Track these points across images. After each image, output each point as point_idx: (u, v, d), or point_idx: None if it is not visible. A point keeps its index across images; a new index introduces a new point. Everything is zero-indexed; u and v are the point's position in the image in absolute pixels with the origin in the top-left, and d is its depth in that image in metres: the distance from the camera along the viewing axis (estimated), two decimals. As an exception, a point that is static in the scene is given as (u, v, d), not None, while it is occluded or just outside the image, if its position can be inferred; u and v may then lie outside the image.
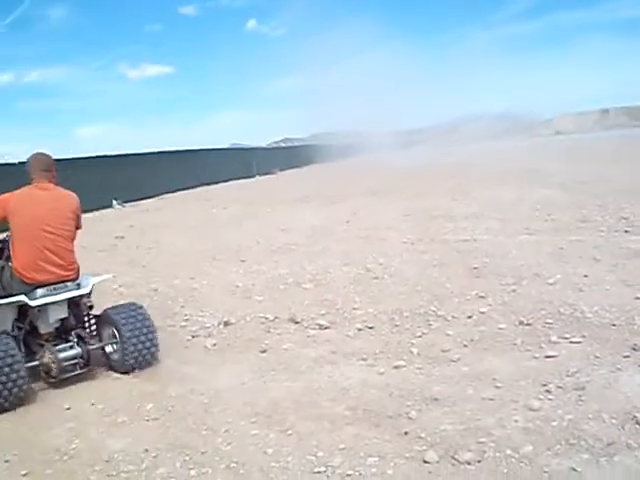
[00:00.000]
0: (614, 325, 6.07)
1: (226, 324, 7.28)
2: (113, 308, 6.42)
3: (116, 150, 31.52)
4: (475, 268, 8.90)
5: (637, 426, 4.08)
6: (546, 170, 25.88)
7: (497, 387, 4.90)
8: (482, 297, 7.43)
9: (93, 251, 14.00)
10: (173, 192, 32.39)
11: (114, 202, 27.16)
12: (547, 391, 4.73)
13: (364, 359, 5.81)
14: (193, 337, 6.99)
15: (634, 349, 5.39)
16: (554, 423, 4.23)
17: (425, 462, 3.91)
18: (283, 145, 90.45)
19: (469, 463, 3.84)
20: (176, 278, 10.07)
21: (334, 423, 4.58)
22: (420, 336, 6.29)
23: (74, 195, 6.41)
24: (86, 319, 6.51)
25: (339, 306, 7.60)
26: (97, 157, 28.97)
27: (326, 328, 6.85)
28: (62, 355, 5.86)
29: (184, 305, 8.37)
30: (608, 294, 7.12)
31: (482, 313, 6.82)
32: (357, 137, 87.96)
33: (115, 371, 6.14)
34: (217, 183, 38.30)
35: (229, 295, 8.72)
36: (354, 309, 7.43)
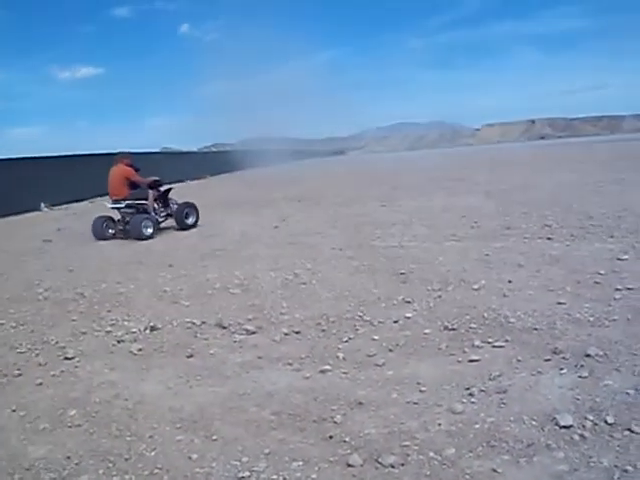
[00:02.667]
0: (536, 329, 6.17)
1: (152, 329, 7.21)
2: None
3: (46, 152, 30.92)
4: (402, 274, 8.95)
5: (556, 427, 4.17)
6: (473, 179, 26.38)
7: (421, 391, 4.95)
8: (408, 302, 7.48)
9: (16, 255, 13.79)
10: (103, 196, 31.96)
11: (42, 205, 26.69)
12: (470, 394, 4.80)
13: (290, 364, 5.81)
14: (119, 342, 6.89)
15: (555, 353, 5.50)
16: (476, 426, 4.30)
17: (349, 466, 3.94)
18: (214, 150, 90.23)
19: (393, 466, 3.88)
20: (103, 282, 9.92)
21: (259, 428, 4.58)
22: (346, 341, 6.31)
23: (126, 167, 16.30)
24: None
25: (266, 311, 7.58)
26: (24, 159, 28.27)
27: (253, 333, 6.82)
28: (118, 227, 16.27)
29: (110, 310, 8.25)
30: (531, 299, 7.24)
31: (408, 318, 6.86)
32: (288, 143, 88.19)
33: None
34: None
35: (156, 300, 8.63)
36: (281, 314, 7.42)
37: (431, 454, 3.98)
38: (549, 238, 10.94)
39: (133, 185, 16.33)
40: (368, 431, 4.37)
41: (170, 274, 10.31)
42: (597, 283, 7.73)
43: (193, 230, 16.51)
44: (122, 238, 15.88)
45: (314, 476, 3.87)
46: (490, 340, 5.95)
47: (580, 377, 4.97)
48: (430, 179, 28.56)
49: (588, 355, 5.37)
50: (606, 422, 4.20)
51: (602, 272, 8.19)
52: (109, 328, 7.45)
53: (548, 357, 5.44)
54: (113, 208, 16.49)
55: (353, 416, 4.64)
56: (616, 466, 3.69)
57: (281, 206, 19.89)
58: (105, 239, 15.86)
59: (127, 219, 16.14)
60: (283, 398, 5.07)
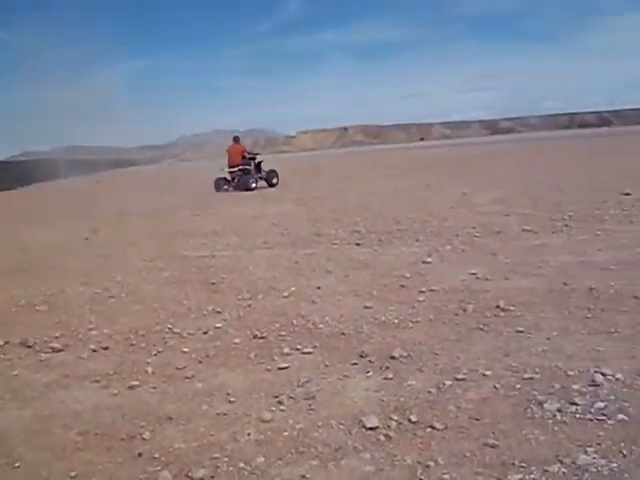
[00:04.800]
0: (344, 334, 6.31)
1: (-49, 352, 6.86)
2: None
3: None
4: (213, 283, 8.94)
5: (363, 429, 4.25)
6: (285, 185, 26.79)
7: (231, 402, 4.93)
8: (218, 312, 7.46)
9: None
10: None
11: None
12: (279, 402, 4.82)
13: (98, 381, 5.64)
14: None
15: (361, 356, 5.62)
16: (285, 433, 4.32)
17: (159, 483, 3.87)
18: (23, 159, 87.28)
19: (203, 479, 3.85)
20: None
21: (65, 450, 4.41)
22: (155, 354, 6.20)
23: (240, 146, 28.90)
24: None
25: (74, 327, 7.33)
26: None
27: (60, 351, 6.58)
28: (231, 184, 28.22)
29: None
30: (339, 304, 7.41)
31: (218, 328, 6.84)
32: (103, 152, 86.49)
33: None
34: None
35: (-45, 321, 8.20)
36: (89, 330, 7.20)
37: (241, 464, 3.96)
38: (358, 244, 11.22)
39: (243, 157, 28.35)
40: (178, 446, 4.30)
41: (-30, 292, 9.83)
42: (402, 286, 8.00)
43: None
44: (234, 190, 27.60)
45: (122, 496, 3.79)
46: (299, 347, 6.02)
47: (385, 379, 5.11)
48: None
49: (393, 357, 5.52)
50: (410, 421, 4.32)
51: (407, 275, 8.48)
52: None
53: (355, 361, 5.55)
54: (229, 172, 28.54)
55: (162, 431, 4.56)
56: (419, 462, 3.80)
57: (92, 217, 19.37)
58: (221, 191, 27.69)
59: (237, 179, 28.11)
60: (90, 417, 4.91)
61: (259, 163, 29.21)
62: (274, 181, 29.04)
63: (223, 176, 28.56)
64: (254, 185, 27.57)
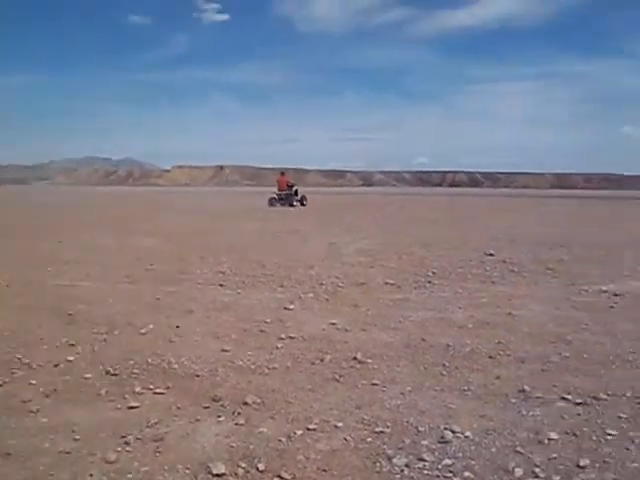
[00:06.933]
0: (198, 376, 6.22)
1: None
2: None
3: None
4: (70, 315, 8.67)
5: (209, 476, 4.17)
6: (155, 220, 26.56)
7: (75, 439, 4.76)
8: (72, 345, 7.23)
9: None
10: None
11: None
12: (126, 443, 4.68)
13: None
14: None
15: (214, 400, 5.55)
16: (129, 475, 4.19)
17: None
18: None
19: (38, 521, 3.71)
20: None
21: None
22: (1, 385, 5.97)
23: (286, 178, 45.56)
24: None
25: None
26: None
27: None
28: (279, 202, 44.04)
29: None
30: (197, 345, 7.31)
31: (69, 362, 6.62)
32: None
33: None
34: None
35: None
36: None
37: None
38: (221, 285, 11.16)
39: (287, 185, 43.86)
40: (14, 484, 4.14)
41: None
42: (262, 331, 7.96)
43: None
44: (281, 206, 41.34)
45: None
46: (152, 386, 5.89)
47: (236, 425, 5.04)
48: (110, 217, 28.37)
49: (246, 403, 5.46)
50: (257, 469, 4.27)
51: (268, 320, 8.46)
52: None
53: (207, 404, 5.47)
54: (277, 194, 43.35)
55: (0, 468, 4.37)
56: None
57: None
58: (274, 207, 41.16)
59: (284, 199, 42.74)
60: None
61: (296, 190, 44.42)
62: (304, 202, 44.38)
63: (274, 196, 43.52)
64: (295, 203, 43.12)
